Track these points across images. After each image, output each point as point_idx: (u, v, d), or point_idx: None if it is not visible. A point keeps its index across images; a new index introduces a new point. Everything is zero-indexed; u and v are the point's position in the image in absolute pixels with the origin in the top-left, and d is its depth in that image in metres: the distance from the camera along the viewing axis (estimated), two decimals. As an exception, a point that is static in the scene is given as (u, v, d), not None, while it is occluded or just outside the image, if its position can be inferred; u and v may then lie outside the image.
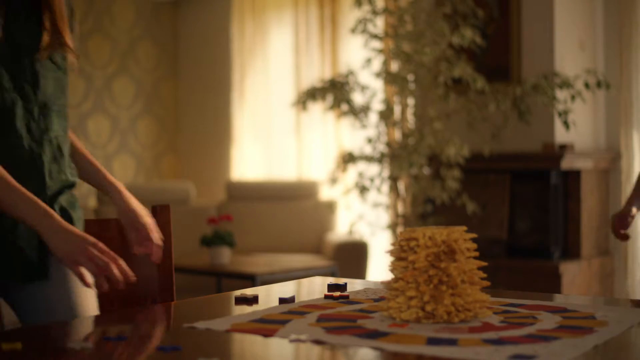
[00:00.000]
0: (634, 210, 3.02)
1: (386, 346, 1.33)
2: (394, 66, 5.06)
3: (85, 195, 6.15)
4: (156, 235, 1.86)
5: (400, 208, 5.22)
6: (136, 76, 6.79)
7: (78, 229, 1.69)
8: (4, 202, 1.66)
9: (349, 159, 4.94)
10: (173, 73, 7.15)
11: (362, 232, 5.41)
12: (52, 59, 1.81)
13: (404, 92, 4.82)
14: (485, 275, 1.59)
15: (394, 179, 4.93)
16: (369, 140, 4.93)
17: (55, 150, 1.82)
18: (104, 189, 1.94)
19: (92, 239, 1.64)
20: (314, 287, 2.06)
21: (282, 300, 1.74)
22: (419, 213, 4.89)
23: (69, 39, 1.82)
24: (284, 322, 1.51)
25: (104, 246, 1.64)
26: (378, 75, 4.87)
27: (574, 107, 4.68)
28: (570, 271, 4.64)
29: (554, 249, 4.76)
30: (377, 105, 4.96)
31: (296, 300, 1.76)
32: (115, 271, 1.61)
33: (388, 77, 4.81)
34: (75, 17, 1.93)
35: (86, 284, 1.63)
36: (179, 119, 7.17)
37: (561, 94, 4.64)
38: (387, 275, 1.63)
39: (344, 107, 4.91)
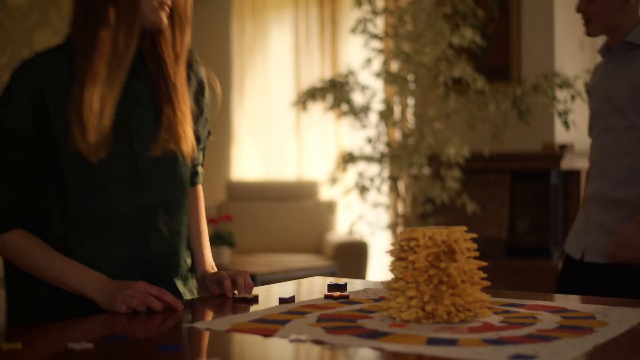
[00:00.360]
0: None
1: (386, 346, 1.33)
2: (394, 66, 5.05)
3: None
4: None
5: (400, 208, 5.22)
6: (136, 76, 6.80)
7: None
8: (51, 276, 1.66)
9: (349, 159, 4.93)
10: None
11: (362, 232, 5.41)
12: (172, 153, 1.74)
13: (404, 92, 4.81)
14: (485, 275, 1.59)
15: (394, 179, 4.93)
16: (369, 140, 4.93)
17: (168, 254, 1.78)
18: (196, 268, 1.92)
19: (132, 282, 1.61)
20: (314, 287, 2.06)
21: (282, 300, 1.74)
22: (419, 213, 4.89)
23: (185, 142, 1.74)
24: (284, 322, 1.51)
25: (146, 284, 1.61)
26: (378, 75, 4.87)
27: (574, 107, 4.68)
28: (570, 271, 4.64)
29: (554, 249, 4.76)
30: (377, 105, 4.95)
31: (296, 300, 1.76)
32: (156, 304, 1.59)
33: (388, 77, 4.81)
34: (203, 104, 1.86)
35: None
36: (179, 119, 7.18)
37: (561, 94, 4.64)
38: (387, 275, 1.63)
39: (344, 107, 4.91)
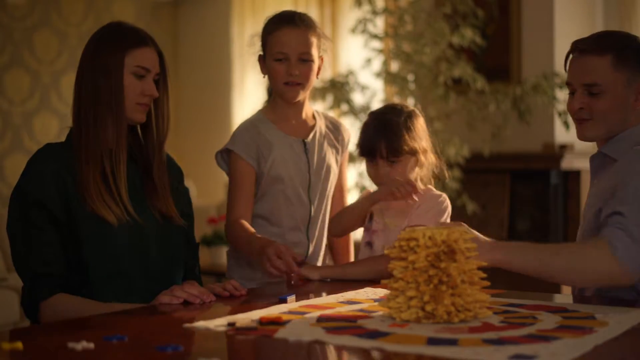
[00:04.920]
0: None
1: (386, 346, 1.33)
2: (394, 66, 5.05)
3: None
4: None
5: (400, 208, 5.21)
6: (136, 76, 6.80)
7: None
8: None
9: (348, 159, 4.93)
10: (173, 73, 7.15)
11: (362, 232, 5.40)
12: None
13: (404, 92, 4.81)
14: (485, 275, 1.59)
15: (394, 179, 4.92)
16: (369, 140, 4.92)
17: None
18: None
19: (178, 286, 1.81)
20: (315, 287, 2.06)
21: (282, 300, 1.74)
22: (419, 213, 4.88)
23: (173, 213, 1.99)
24: (284, 322, 1.51)
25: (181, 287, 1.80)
26: (378, 75, 4.87)
27: (574, 107, 4.67)
28: (570, 271, 4.63)
29: (554, 249, 4.76)
30: (377, 105, 4.95)
31: (296, 300, 1.76)
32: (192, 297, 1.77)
33: (388, 77, 4.81)
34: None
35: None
36: (179, 119, 7.18)
37: (561, 94, 4.63)
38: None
39: (344, 107, 4.90)
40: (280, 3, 6.48)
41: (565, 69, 2.06)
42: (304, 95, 2.33)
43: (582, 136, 2.04)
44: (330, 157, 2.39)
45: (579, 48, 2.00)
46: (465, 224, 1.77)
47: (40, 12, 5.96)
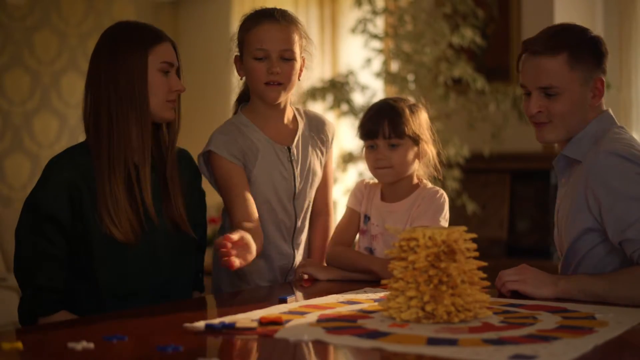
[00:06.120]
0: None
1: (386, 346, 1.33)
2: (394, 66, 5.05)
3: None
4: None
5: (400, 208, 5.21)
6: (136, 76, 6.79)
7: None
8: None
9: (348, 159, 4.93)
10: (173, 73, 7.15)
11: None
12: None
13: (404, 92, 4.81)
14: (485, 275, 1.59)
15: (394, 179, 4.92)
16: (369, 140, 4.92)
17: None
18: None
19: None
20: (315, 287, 2.06)
21: (282, 300, 1.74)
22: (419, 213, 4.88)
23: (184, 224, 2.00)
24: (284, 322, 1.51)
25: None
26: (378, 75, 4.87)
27: (574, 107, 4.67)
28: (570, 271, 4.63)
29: (554, 249, 4.76)
30: (377, 105, 4.95)
31: (296, 301, 1.76)
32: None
33: (388, 77, 4.81)
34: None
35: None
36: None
37: (561, 94, 4.63)
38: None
39: (344, 107, 4.90)
40: (280, 3, 6.47)
41: (517, 70, 2.00)
42: (285, 96, 2.19)
43: (541, 139, 1.98)
44: (315, 162, 2.24)
45: (531, 49, 1.93)
46: (527, 265, 1.83)
47: (40, 12, 5.96)
